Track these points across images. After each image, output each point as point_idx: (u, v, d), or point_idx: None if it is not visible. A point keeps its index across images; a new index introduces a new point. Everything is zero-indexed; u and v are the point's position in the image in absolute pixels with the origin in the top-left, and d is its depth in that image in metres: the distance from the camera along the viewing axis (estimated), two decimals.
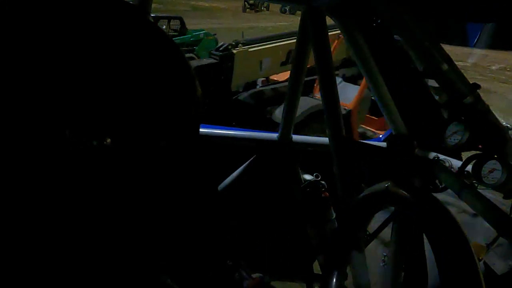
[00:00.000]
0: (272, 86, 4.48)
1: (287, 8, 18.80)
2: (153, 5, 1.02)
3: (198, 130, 0.48)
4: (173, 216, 0.47)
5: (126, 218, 0.41)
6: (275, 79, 4.82)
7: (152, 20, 0.48)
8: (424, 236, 0.74)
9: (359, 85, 4.30)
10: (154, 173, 0.43)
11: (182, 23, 7.61)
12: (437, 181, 1.11)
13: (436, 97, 0.92)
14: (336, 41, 4.43)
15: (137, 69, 0.42)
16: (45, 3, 0.38)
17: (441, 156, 1.12)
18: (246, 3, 16.48)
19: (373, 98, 1.17)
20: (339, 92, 1.18)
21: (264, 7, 18.96)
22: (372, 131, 4.55)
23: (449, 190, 1.04)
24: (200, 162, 0.49)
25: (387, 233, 1.60)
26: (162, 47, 0.45)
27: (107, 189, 0.39)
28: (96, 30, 0.40)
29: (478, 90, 0.86)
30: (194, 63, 3.90)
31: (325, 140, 1.46)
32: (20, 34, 0.36)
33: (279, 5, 18.02)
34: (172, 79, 0.45)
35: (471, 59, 9.53)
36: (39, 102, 0.36)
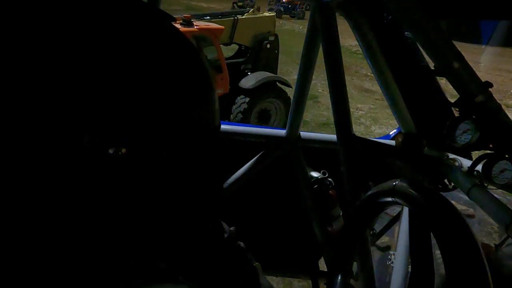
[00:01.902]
0: None
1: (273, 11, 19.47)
2: None
3: (218, 133, 0.46)
4: (183, 216, 0.46)
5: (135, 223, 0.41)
6: None
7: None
8: (432, 236, 0.74)
9: None
10: (168, 182, 0.42)
11: None
12: (446, 180, 1.10)
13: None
14: None
15: (156, 74, 0.40)
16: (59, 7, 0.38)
17: (451, 155, 1.11)
18: (234, 4, 16.51)
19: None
20: None
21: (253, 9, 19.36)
22: None
23: (458, 190, 1.03)
24: (215, 163, 0.48)
25: (394, 231, 1.59)
26: (181, 50, 0.43)
27: (118, 198, 0.39)
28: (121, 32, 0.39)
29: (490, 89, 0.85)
30: None
31: (333, 137, 1.45)
32: (34, 37, 0.35)
33: (267, 7, 18.21)
34: (189, 82, 0.43)
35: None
36: (58, 106, 0.35)
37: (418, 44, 1.06)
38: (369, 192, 0.90)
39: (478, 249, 0.61)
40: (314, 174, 1.53)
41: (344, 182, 1.19)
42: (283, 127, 1.53)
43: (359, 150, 1.19)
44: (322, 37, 1.20)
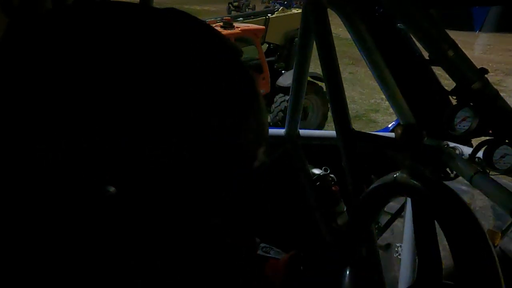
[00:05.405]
0: None
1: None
2: None
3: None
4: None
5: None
6: None
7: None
8: (437, 225, 0.73)
9: None
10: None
11: None
12: (448, 169, 1.10)
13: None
14: None
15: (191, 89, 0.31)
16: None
17: (451, 144, 1.11)
18: (230, 5, 16.48)
19: None
20: None
21: (249, 8, 19.30)
22: None
23: (460, 179, 1.03)
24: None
25: (399, 223, 1.58)
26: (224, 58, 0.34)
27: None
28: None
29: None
30: None
31: (332, 133, 1.45)
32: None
33: (263, 6, 18.29)
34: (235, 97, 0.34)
35: None
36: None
37: (411, 35, 1.07)
38: (372, 186, 0.90)
39: (484, 236, 0.61)
40: (316, 171, 1.53)
41: (346, 177, 1.19)
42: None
43: (359, 144, 1.19)
44: (315, 33, 1.20)
